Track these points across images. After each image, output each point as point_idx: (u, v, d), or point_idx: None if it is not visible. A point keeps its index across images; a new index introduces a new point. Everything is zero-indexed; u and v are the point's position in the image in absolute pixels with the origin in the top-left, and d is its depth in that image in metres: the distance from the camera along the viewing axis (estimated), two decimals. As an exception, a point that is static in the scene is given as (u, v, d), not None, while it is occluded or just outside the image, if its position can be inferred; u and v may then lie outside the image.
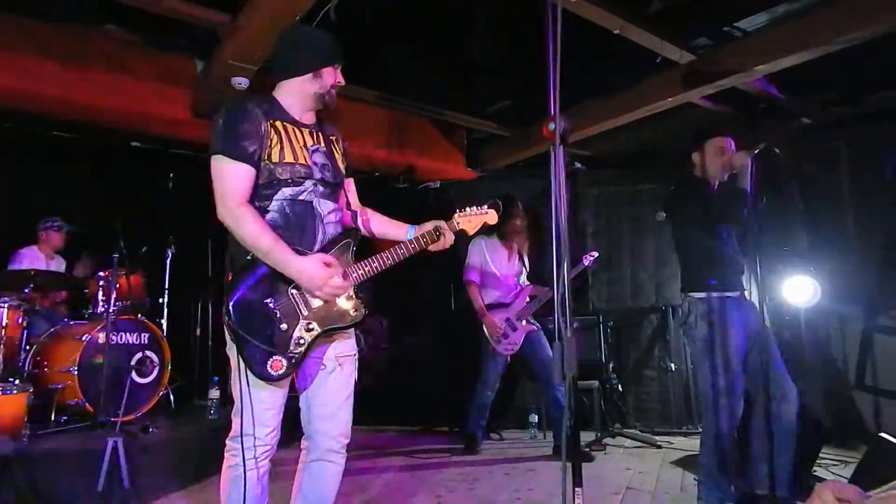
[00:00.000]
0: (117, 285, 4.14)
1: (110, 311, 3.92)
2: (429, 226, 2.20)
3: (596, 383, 5.01)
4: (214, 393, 4.33)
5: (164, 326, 4.69)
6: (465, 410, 4.60)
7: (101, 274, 4.20)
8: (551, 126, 1.46)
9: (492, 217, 2.33)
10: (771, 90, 4.13)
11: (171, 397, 4.40)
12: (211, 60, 3.87)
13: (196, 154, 4.76)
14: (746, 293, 2.98)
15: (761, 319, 2.76)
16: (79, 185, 4.77)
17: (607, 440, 4.76)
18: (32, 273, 4.11)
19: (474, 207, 2.31)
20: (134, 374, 4.01)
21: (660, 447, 4.62)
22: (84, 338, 3.84)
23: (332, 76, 2.08)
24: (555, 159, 1.44)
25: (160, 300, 4.80)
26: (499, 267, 4.54)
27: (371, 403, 5.63)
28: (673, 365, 5.27)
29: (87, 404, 3.73)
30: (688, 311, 2.93)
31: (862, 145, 4.65)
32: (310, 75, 2.04)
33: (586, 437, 4.71)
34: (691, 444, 4.66)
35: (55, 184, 4.74)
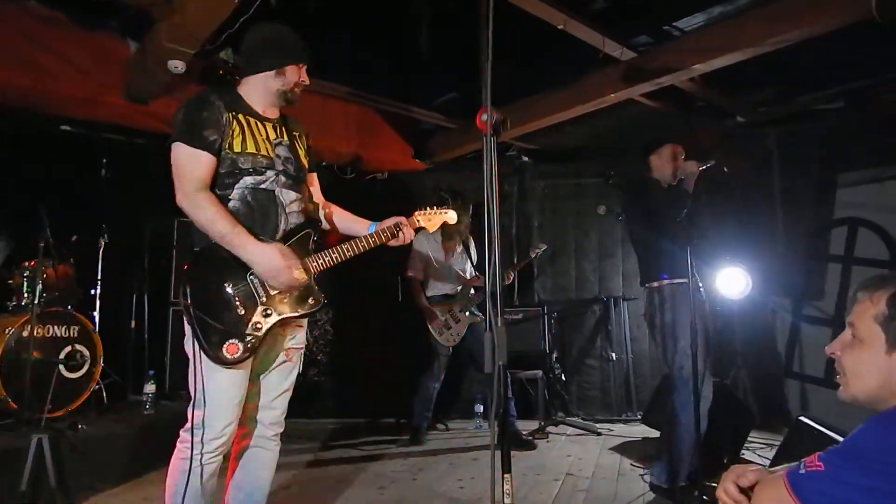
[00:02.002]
0: (44, 276, 3.93)
1: (36, 302, 3.73)
2: (390, 222, 2.23)
3: (540, 373, 5.10)
4: (150, 388, 4.18)
5: (97, 319, 4.49)
6: (410, 402, 4.61)
7: (26, 264, 3.98)
8: (484, 117, 1.46)
9: (451, 217, 2.39)
10: (707, 88, 4.27)
11: (104, 393, 4.22)
12: (145, 42, 3.71)
13: (130, 140, 4.57)
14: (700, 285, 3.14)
15: (705, 310, 3.08)
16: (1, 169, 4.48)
17: (550, 428, 4.87)
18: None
19: (435, 206, 2.37)
20: (62, 369, 3.82)
21: (600, 434, 4.75)
22: (7, 331, 3.63)
23: (296, 74, 2.12)
24: (487, 150, 1.44)
25: (92, 291, 4.58)
26: (443, 260, 4.56)
27: (316, 396, 5.64)
28: (614, 354, 5.42)
29: (10, 400, 3.54)
30: (649, 302, 3.18)
31: (791, 144, 4.89)
32: (273, 72, 2.08)
33: (530, 425, 4.80)
34: (630, 431, 4.82)
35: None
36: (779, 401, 4.87)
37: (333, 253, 2.09)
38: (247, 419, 2.10)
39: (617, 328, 5.47)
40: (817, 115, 4.74)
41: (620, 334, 5.48)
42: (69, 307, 4.10)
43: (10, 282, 4.11)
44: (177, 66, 3.66)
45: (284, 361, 2.13)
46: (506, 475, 1.49)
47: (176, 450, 1.98)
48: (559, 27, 3.35)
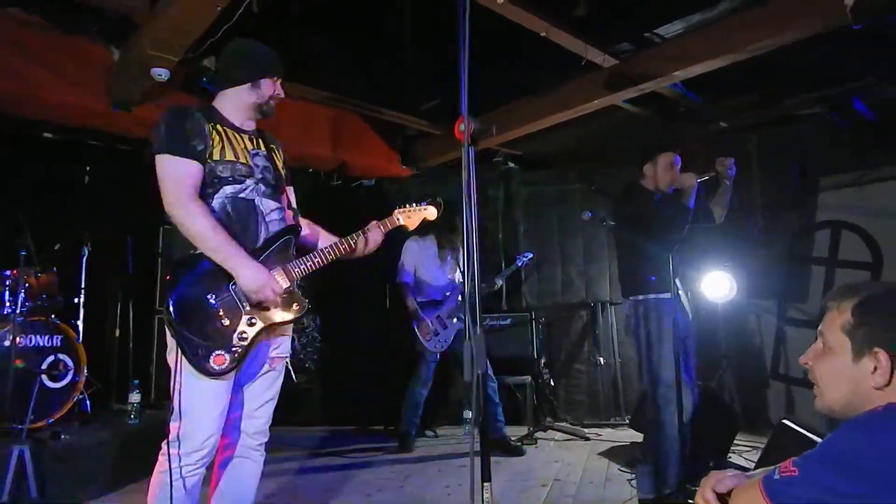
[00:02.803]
0: (26, 284, 3.89)
1: (18, 311, 3.69)
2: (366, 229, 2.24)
3: (528, 378, 5.11)
4: (135, 397, 4.12)
5: (81, 328, 4.44)
6: (398, 409, 4.60)
7: (8, 273, 3.93)
8: (461, 126, 1.47)
9: (431, 213, 2.39)
10: (689, 94, 4.32)
11: (88, 402, 4.17)
12: (127, 49, 3.69)
13: (113, 146, 4.54)
14: (680, 293, 3.15)
15: (688, 319, 3.08)
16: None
17: (539, 434, 4.87)
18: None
19: (414, 203, 2.36)
20: (45, 379, 3.77)
21: (588, 439, 4.76)
22: (-12, 340, 3.59)
23: (270, 87, 2.13)
24: (465, 159, 1.45)
25: (75, 300, 4.54)
26: (431, 267, 4.57)
27: (304, 403, 5.61)
28: (601, 359, 5.44)
29: (-9, 412, 3.49)
30: (629, 314, 3.18)
31: (771, 148, 4.95)
32: (248, 85, 2.10)
33: (518, 431, 4.81)
34: (618, 436, 4.83)
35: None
36: (764, 403, 4.91)
37: (316, 258, 2.09)
38: (230, 429, 2.08)
39: (604, 332, 5.50)
40: (797, 120, 4.80)
41: (608, 338, 5.50)
42: (52, 316, 4.06)
43: (-8, 291, 4.05)
44: (160, 73, 3.66)
45: (269, 371, 2.12)
46: (486, 483, 1.48)
47: (157, 462, 1.94)
48: (541, 34, 3.37)
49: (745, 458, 3.91)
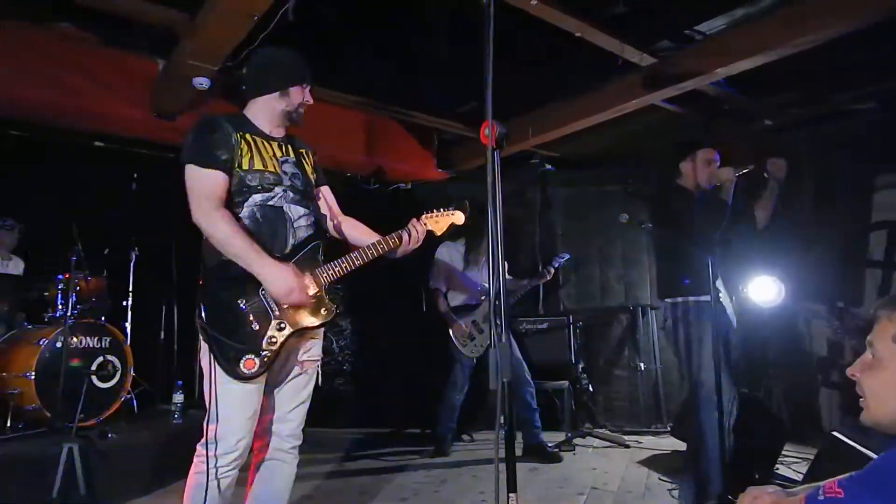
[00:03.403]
0: (77, 288, 4.06)
1: (69, 314, 3.85)
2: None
3: (566, 383, 5.03)
4: (179, 397, 4.25)
5: (128, 330, 4.61)
6: (435, 413, 4.59)
7: (60, 277, 4.11)
8: (486, 131, 1.45)
9: (458, 218, 2.37)
10: (731, 92, 4.18)
11: (135, 402, 4.32)
12: (170, 60, 3.81)
13: (159, 155, 4.69)
14: (722, 296, 3.04)
15: (731, 325, 2.98)
16: (37, 185, 4.65)
17: (577, 440, 4.78)
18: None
19: (441, 209, 2.35)
20: (94, 379, 3.92)
21: (628, 447, 4.65)
22: (41, 342, 3.75)
23: (299, 95, 2.16)
24: (490, 164, 1.43)
25: (123, 303, 4.71)
26: (464, 271, 4.55)
27: (340, 405, 5.67)
28: (642, 364, 5.31)
29: (44, 410, 3.64)
30: (666, 316, 3.09)
31: (821, 145, 4.73)
32: (277, 94, 2.13)
33: (556, 437, 4.73)
34: (659, 444, 4.71)
35: (11, 184, 4.62)
36: (814, 413, 4.70)
37: (343, 263, 2.11)
38: (263, 432, 2.12)
39: (645, 337, 5.37)
40: (849, 116, 4.58)
41: (648, 343, 5.37)
42: (101, 319, 4.22)
43: (46, 294, 4.25)
44: (202, 82, 3.78)
45: (300, 374, 2.15)
46: (511, 494, 1.46)
47: (193, 463, 2.00)
48: (576, 35, 3.32)
49: (793, 470, 3.75)
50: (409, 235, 2.21)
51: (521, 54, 3.77)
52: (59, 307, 4.08)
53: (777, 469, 3.73)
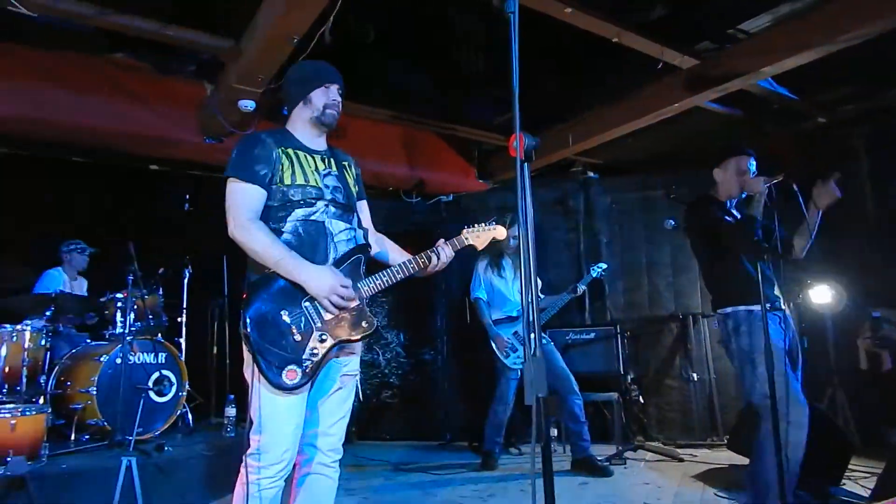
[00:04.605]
0: (135, 306, 4.24)
1: (127, 331, 4.02)
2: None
3: (615, 395, 4.91)
4: (231, 411, 4.37)
5: (183, 345, 4.77)
6: (482, 426, 4.56)
7: (119, 295, 4.30)
8: (515, 143, 1.44)
9: (499, 232, 2.37)
10: (780, 91, 4.03)
11: (189, 416, 4.46)
12: (217, 84, 3.96)
13: (210, 175, 4.87)
14: (779, 304, 2.93)
15: (792, 334, 2.84)
16: (98, 207, 4.91)
17: (627, 454, 4.65)
18: (54, 296, 4.24)
19: (483, 223, 2.36)
20: (152, 394, 4.07)
21: (682, 460, 4.49)
22: (102, 358, 3.93)
23: (322, 97, 2.19)
24: (520, 176, 1.42)
25: (178, 319, 4.89)
26: (503, 283, 4.52)
27: (388, 418, 5.71)
28: (695, 374, 5.13)
29: (105, 423, 3.81)
30: (721, 328, 2.99)
31: (880, 141, 4.49)
32: (301, 103, 2.19)
33: (606, 450, 4.62)
34: (715, 457, 4.53)
35: (75, 207, 4.89)
36: (883, 425, 4.42)
37: (384, 276, 2.13)
38: (305, 446, 2.14)
39: (697, 346, 5.19)
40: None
41: (701, 353, 5.19)
42: (158, 335, 4.39)
43: (106, 312, 4.45)
44: (247, 104, 3.92)
45: (339, 388, 2.16)
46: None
47: (239, 475, 2.04)
48: (613, 40, 3.27)
49: (861, 486, 3.54)
50: (438, 257, 2.21)
51: (559, 62, 3.76)
52: (119, 324, 4.27)
53: (843, 485, 3.53)
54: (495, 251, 4.45)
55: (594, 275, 4.66)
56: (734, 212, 3.00)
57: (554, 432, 4.92)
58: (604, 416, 5.03)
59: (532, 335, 1.45)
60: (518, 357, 4.33)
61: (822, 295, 4.35)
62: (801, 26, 3.23)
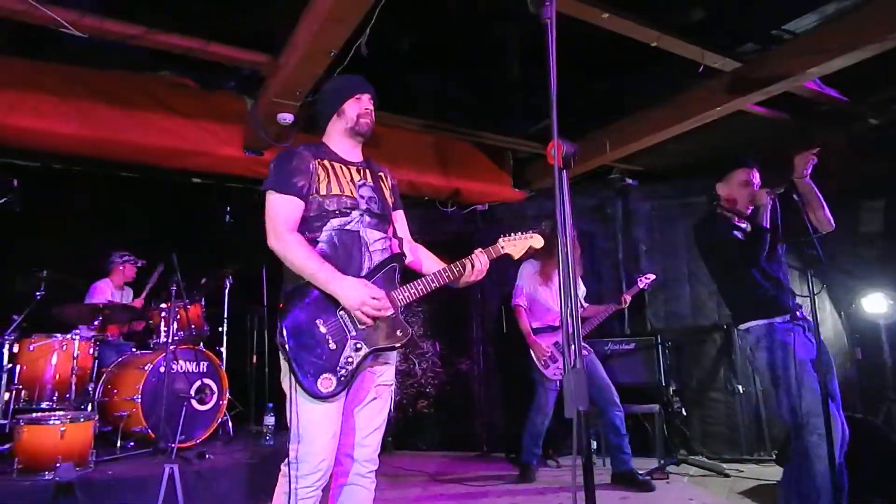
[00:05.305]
0: (178, 316, 4.35)
1: (171, 340, 4.12)
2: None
3: (657, 407, 4.78)
4: (270, 419, 4.43)
5: (224, 354, 4.86)
6: (520, 437, 4.50)
7: (163, 305, 4.41)
8: (553, 150, 1.41)
9: (537, 241, 2.35)
10: (829, 92, 3.89)
11: (230, 424, 4.53)
12: (257, 98, 4.05)
13: (250, 188, 4.97)
14: (802, 312, 2.84)
15: (820, 343, 2.67)
16: (142, 220, 5.07)
17: (670, 468, 4.52)
18: (102, 306, 4.38)
19: (519, 232, 2.34)
20: (194, 402, 4.15)
21: (728, 476, 4.34)
22: (146, 367, 4.03)
23: (353, 108, 2.24)
24: (558, 183, 1.39)
25: (220, 329, 4.98)
26: (547, 291, 4.46)
27: (425, 428, 5.69)
28: (741, 387, 4.96)
29: (149, 431, 3.90)
30: (742, 346, 3.03)
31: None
32: (335, 115, 2.25)
33: (648, 464, 4.50)
34: (762, 473, 4.36)
35: (121, 220, 5.06)
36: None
37: (419, 285, 2.14)
38: (342, 456, 2.15)
39: (742, 358, 5.01)
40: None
41: (747, 364, 5.00)
42: (200, 344, 4.49)
43: (151, 321, 4.58)
44: (285, 118, 3.98)
45: (374, 398, 2.17)
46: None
47: (278, 483, 2.05)
48: (652, 44, 3.22)
49: (923, 506, 3.34)
50: (473, 266, 2.20)
51: (596, 67, 3.71)
52: (163, 334, 4.38)
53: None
54: (537, 256, 4.40)
55: (642, 287, 4.58)
56: (741, 225, 2.93)
57: (594, 444, 4.82)
58: (644, 428, 4.90)
59: (573, 346, 1.41)
60: (558, 367, 4.26)
61: (876, 304, 4.15)
62: (849, 26, 3.11)
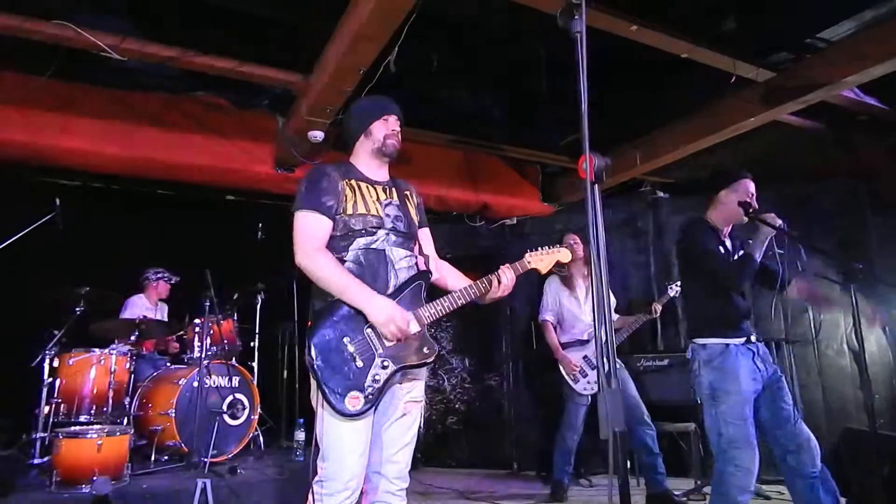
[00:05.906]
0: (210, 331, 4.41)
1: (204, 355, 4.17)
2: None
3: (692, 425, 4.65)
4: (300, 435, 4.45)
5: (256, 369, 4.90)
6: (551, 454, 4.42)
7: (196, 321, 4.48)
8: (584, 164, 1.40)
9: (564, 255, 2.35)
10: (869, 101, 3.79)
11: (261, 439, 4.56)
12: (289, 117, 4.12)
13: (282, 204, 5.04)
14: (753, 337, 2.78)
15: (773, 365, 2.75)
16: (176, 236, 5.17)
17: (707, 489, 4.37)
18: (138, 321, 4.47)
19: (546, 246, 2.34)
20: (226, 417, 4.20)
21: (769, 498, 4.20)
22: (180, 381, 4.09)
23: (381, 129, 2.27)
24: (589, 198, 1.37)
25: (251, 344, 5.04)
26: (574, 304, 4.40)
27: (454, 445, 5.64)
28: (780, 405, 4.79)
29: (182, 445, 3.94)
30: (692, 359, 2.87)
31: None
32: (363, 136, 2.27)
33: (684, 484, 4.37)
34: (805, 495, 4.18)
35: (155, 236, 5.17)
36: None
37: (445, 302, 2.13)
38: (372, 473, 2.13)
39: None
40: None
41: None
42: (232, 359, 4.54)
43: (185, 337, 4.65)
44: (316, 135, 4.04)
45: (403, 415, 2.15)
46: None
47: (307, 501, 2.05)
48: (682, 56, 3.18)
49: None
50: (500, 282, 2.19)
51: (626, 80, 3.68)
52: (196, 349, 4.44)
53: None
54: (568, 270, 4.35)
55: (672, 294, 4.49)
56: (727, 241, 2.86)
57: (627, 464, 4.70)
58: (680, 447, 4.76)
59: (607, 364, 1.38)
60: (588, 382, 4.19)
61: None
62: (889, 32, 3.03)
